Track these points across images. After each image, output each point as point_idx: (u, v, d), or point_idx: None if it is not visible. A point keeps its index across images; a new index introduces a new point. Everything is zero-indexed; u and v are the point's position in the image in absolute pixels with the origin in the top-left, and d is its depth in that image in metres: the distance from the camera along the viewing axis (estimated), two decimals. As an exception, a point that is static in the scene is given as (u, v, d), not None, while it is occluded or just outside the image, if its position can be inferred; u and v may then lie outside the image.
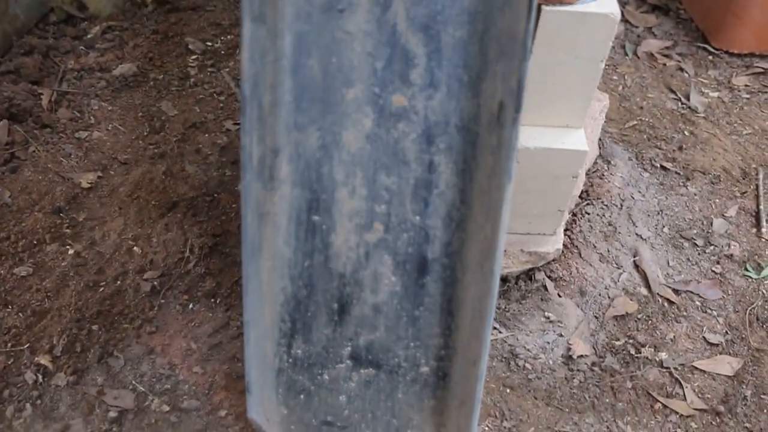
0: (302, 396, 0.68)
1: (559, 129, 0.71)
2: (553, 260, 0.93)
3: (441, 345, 0.66)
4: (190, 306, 0.90)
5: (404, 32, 0.57)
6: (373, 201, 0.63)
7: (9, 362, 0.81)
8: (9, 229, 0.96)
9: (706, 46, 1.52)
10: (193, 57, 1.30)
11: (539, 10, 0.62)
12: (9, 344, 0.83)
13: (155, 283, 0.92)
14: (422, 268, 0.64)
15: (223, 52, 1.34)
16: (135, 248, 0.96)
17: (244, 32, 0.53)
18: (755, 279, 1.00)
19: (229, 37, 1.39)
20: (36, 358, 0.82)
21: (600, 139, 1.17)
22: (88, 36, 1.33)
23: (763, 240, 1.06)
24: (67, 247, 0.96)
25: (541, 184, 0.73)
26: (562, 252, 0.96)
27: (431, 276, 0.64)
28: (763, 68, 1.46)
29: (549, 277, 0.93)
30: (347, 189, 0.62)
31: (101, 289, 0.91)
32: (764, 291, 0.99)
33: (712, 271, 1.01)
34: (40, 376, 0.80)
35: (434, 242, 0.63)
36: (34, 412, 0.77)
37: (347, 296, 0.65)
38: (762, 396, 0.85)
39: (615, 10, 0.63)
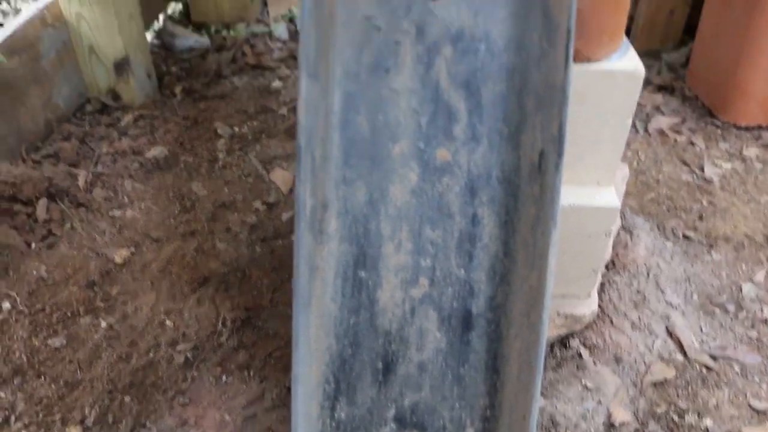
0: None
1: (590, 186, 0.73)
2: (587, 327, 0.93)
3: (486, 405, 0.65)
4: (224, 378, 0.89)
5: (447, 89, 0.60)
6: (418, 255, 0.64)
7: (42, 436, 0.81)
8: (44, 301, 0.98)
9: (714, 120, 1.57)
10: (221, 141, 1.35)
11: (567, 68, 0.65)
12: (41, 414, 0.83)
13: (188, 355, 0.92)
14: (467, 323, 0.64)
15: (249, 136, 1.39)
16: (167, 322, 0.97)
17: (301, 88, 0.56)
18: (790, 344, 0.99)
19: (254, 123, 1.44)
20: (67, 429, 0.81)
21: (621, 211, 1.19)
22: (122, 123, 1.39)
23: (794, 304, 1.06)
24: (100, 319, 0.96)
25: (575, 244, 0.74)
26: (594, 320, 0.96)
27: (476, 332, 0.64)
28: (772, 140, 1.50)
29: (583, 344, 0.92)
30: (393, 243, 0.63)
31: (133, 361, 0.91)
32: (801, 356, 0.98)
33: (748, 336, 1.00)
34: (74, 451, 0.79)
35: (479, 296, 0.64)
36: (67, 488, 0.76)
37: (392, 354, 0.65)
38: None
39: (639, 66, 0.67)
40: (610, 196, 0.72)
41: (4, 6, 1.68)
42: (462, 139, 0.61)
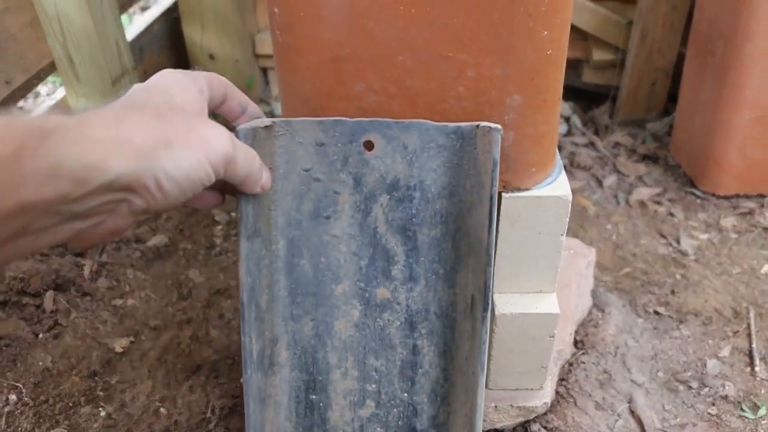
0: None
1: (533, 294, 0.80)
2: (548, 411, 0.98)
3: None
4: (210, 465, 0.96)
5: (384, 234, 0.65)
6: (364, 381, 0.70)
7: None
8: (48, 392, 1.06)
9: (694, 190, 1.63)
10: (219, 227, 1.44)
11: (500, 196, 0.73)
12: (43, 507, 0.90)
13: (178, 443, 0.99)
14: None
15: (246, 218, 1.48)
16: (161, 409, 1.04)
17: (241, 249, 0.60)
18: (752, 419, 1.04)
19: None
20: None
21: (593, 290, 1.25)
22: (127, 210, 1.49)
23: (758, 379, 1.11)
24: (100, 408, 1.04)
25: (522, 345, 0.81)
26: (558, 402, 1.02)
27: None
28: (748, 208, 1.56)
29: (545, 427, 0.98)
30: (340, 371, 0.69)
31: (129, 451, 0.98)
32: (762, 431, 1.02)
33: (708, 413, 1.05)
34: None
35: (422, 415, 0.70)
36: None
37: None
38: None
39: (567, 192, 0.74)
40: (551, 304, 0.79)
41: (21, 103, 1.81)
42: (400, 279, 0.66)
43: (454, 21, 0.64)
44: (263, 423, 0.67)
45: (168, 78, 0.52)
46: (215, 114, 0.60)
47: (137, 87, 0.50)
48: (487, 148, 0.60)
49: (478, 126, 0.62)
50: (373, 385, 0.70)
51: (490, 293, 0.61)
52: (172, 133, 0.45)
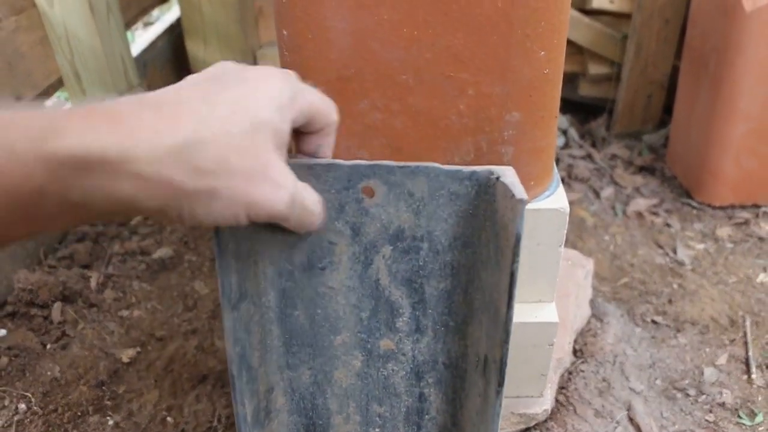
0: None
1: (533, 304, 0.83)
2: (548, 419, 1.00)
3: None
4: (217, 473, 0.98)
5: (387, 286, 0.59)
6: (367, 425, 0.66)
7: None
8: (57, 402, 1.08)
9: (690, 201, 1.66)
10: (223, 237, 1.46)
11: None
12: None
13: (185, 451, 1.01)
14: None
15: (249, 230, 1.50)
16: (168, 418, 1.06)
17: (225, 321, 0.54)
18: (749, 426, 1.06)
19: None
20: None
21: (592, 300, 1.28)
22: (132, 222, 1.51)
23: (755, 386, 1.13)
24: (108, 417, 1.06)
25: (522, 354, 0.83)
26: (558, 410, 1.04)
27: None
28: (744, 218, 1.59)
29: (545, 434, 1.00)
30: (342, 416, 0.65)
31: (137, 459, 1.00)
32: (758, 439, 1.04)
33: (706, 420, 1.07)
34: None
35: None
36: None
37: None
38: None
39: (564, 204, 0.76)
40: (550, 313, 0.81)
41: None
42: (406, 331, 0.60)
43: (455, 42, 0.67)
44: None
45: (269, 94, 0.43)
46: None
47: (234, 82, 0.43)
48: (510, 216, 0.52)
49: (498, 178, 0.53)
50: (377, 430, 0.66)
51: (506, 370, 0.55)
52: (222, 184, 0.40)
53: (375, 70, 0.70)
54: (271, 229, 0.53)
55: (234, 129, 0.40)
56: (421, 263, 0.57)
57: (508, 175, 0.53)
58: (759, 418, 1.07)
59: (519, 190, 0.51)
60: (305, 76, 0.72)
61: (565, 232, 0.77)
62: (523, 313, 0.81)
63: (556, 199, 0.77)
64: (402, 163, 0.54)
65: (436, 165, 0.54)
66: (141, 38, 1.89)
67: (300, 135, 0.52)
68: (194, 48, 1.93)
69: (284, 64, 0.73)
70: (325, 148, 0.53)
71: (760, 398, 1.10)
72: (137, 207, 0.38)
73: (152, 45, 1.84)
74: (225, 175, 0.40)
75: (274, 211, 0.44)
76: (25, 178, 0.33)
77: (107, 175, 0.36)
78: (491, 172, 0.54)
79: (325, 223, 0.53)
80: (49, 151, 0.34)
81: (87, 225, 1.49)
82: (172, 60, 1.94)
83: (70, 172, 0.34)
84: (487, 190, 0.54)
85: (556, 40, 0.70)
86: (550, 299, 0.83)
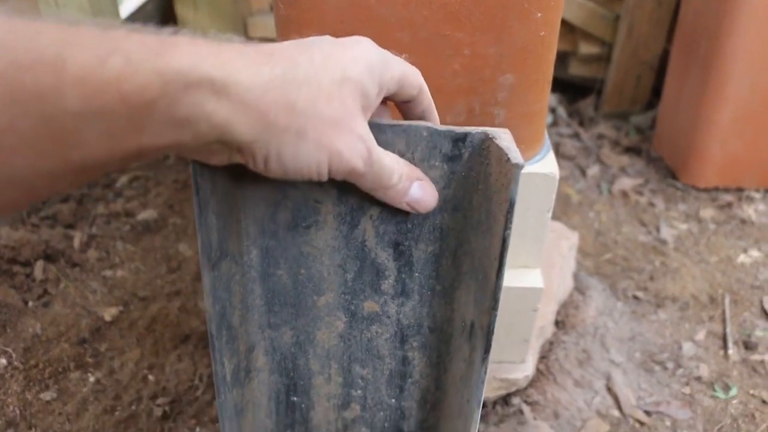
0: None
1: (519, 269, 0.83)
2: (529, 386, 1.02)
3: None
4: (197, 430, 0.98)
5: (373, 248, 0.57)
6: (349, 387, 0.65)
7: (31, 485, 0.90)
8: (38, 357, 1.07)
9: (675, 182, 1.68)
10: (209, 201, 1.45)
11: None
12: (32, 467, 0.92)
13: (166, 408, 1.01)
14: None
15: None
16: (150, 376, 1.06)
17: (204, 280, 0.52)
18: (723, 399, 1.08)
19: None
20: (56, 481, 0.90)
21: (575, 273, 1.29)
22: (117, 184, 1.50)
23: (731, 361, 1.15)
24: (89, 374, 1.06)
25: (506, 318, 0.84)
26: (539, 378, 1.05)
27: None
28: (727, 201, 1.60)
29: (525, 401, 1.01)
30: (323, 377, 0.65)
31: (117, 413, 1.00)
32: (732, 410, 1.06)
33: (682, 392, 1.09)
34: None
35: (410, 419, 0.66)
36: None
37: None
38: None
39: (554, 169, 0.77)
40: (535, 278, 0.82)
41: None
42: (391, 294, 0.59)
43: (452, 0, 0.67)
44: (240, 429, 0.62)
45: (360, 56, 0.45)
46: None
47: (327, 44, 0.45)
48: (504, 181, 0.50)
49: (493, 139, 0.51)
50: (359, 391, 0.66)
51: (492, 338, 0.54)
52: (311, 125, 0.42)
53: (371, 26, 0.69)
54: (255, 187, 0.52)
55: (325, 78, 0.42)
56: (409, 225, 0.56)
57: (504, 138, 0.51)
58: (733, 392, 1.09)
59: (515, 155, 0.48)
60: (300, 31, 0.72)
61: (554, 197, 0.78)
62: (508, 277, 0.82)
63: (546, 164, 0.77)
64: (393, 122, 0.52)
65: (429, 124, 0.52)
66: (130, 1, 1.86)
67: (402, 106, 0.52)
68: (184, 12, 1.90)
69: (279, 17, 0.72)
70: (428, 114, 0.53)
71: (735, 373, 1.12)
72: (232, 135, 0.40)
73: (141, 8, 1.81)
74: (314, 117, 0.42)
75: (354, 164, 0.45)
76: (141, 87, 0.35)
77: (211, 95, 0.37)
78: (486, 134, 0.51)
79: (427, 200, 0.52)
80: (163, 64, 0.36)
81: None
82: (161, 24, 1.91)
83: (179, 87, 0.36)
84: (481, 153, 0.52)
85: (552, 2, 0.70)
86: (536, 265, 0.83)
